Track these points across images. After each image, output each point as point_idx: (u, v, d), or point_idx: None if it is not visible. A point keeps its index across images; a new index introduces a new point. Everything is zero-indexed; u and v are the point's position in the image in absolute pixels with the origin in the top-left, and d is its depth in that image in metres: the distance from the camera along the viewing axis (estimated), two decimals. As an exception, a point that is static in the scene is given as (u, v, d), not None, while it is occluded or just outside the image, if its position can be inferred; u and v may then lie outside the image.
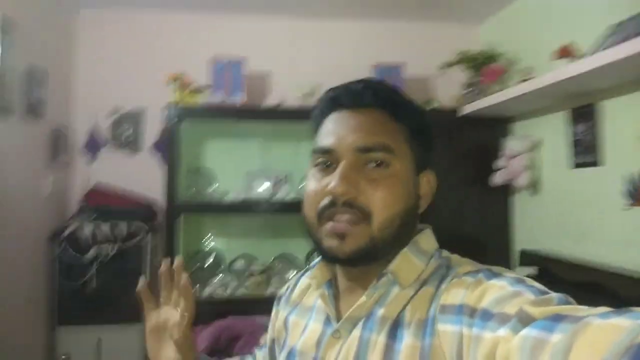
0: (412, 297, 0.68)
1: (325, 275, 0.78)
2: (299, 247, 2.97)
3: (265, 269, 2.85)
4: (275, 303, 0.93)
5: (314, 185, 0.72)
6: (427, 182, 0.77)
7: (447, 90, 3.05)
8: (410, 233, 0.74)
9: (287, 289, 0.92)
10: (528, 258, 2.49)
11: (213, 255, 2.92)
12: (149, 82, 3.01)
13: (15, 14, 2.32)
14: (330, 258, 0.71)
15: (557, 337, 0.43)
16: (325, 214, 0.69)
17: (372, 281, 0.71)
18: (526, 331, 0.47)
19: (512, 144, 2.58)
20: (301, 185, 2.85)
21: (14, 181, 2.39)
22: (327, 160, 0.72)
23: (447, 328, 0.59)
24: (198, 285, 2.71)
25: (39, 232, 2.64)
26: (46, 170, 2.71)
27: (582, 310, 0.47)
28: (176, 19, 3.15)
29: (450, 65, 2.80)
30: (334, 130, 0.72)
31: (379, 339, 0.65)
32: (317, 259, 0.80)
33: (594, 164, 2.13)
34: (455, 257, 0.73)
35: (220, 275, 2.81)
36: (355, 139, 0.69)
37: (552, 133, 2.44)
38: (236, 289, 2.74)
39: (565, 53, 2.06)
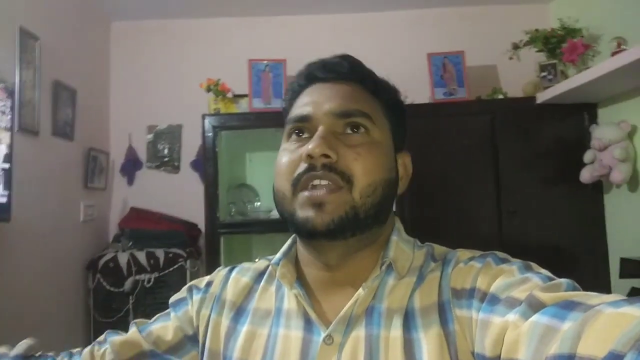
0: (417, 285, 0.64)
1: (293, 274, 0.69)
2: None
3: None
4: (187, 294, 0.78)
5: (288, 156, 0.66)
6: (404, 165, 0.73)
7: (514, 79, 2.72)
8: (389, 212, 0.70)
9: (211, 285, 0.77)
10: (630, 267, 2.09)
11: (261, 279, 2.65)
12: (185, 96, 2.85)
13: (37, 29, 2.15)
14: (306, 231, 0.63)
15: (567, 325, 0.43)
16: (301, 182, 0.63)
17: (357, 274, 0.66)
18: (536, 317, 0.46)
19: (601, 133, 2.24)
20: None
21: (46, 206, 2.24)
22: (302, 129, 0.67)
23: (464, 313, 0.58)
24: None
25: (75, 260, 2.48)
26: (80, 195, 2.54)
27: (594, 297, 0.46)
28: (210, 25, 2.98)
29: (519, 47, 2.45)
30: (310, 100, 0.68)
31: (393, 334, 0.60)
32: (276, 258, 0.71)
33: None
34: (435, 245, 0.72)
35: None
36: (333, 105, 0.66)
37: (651, 116, 2.11)
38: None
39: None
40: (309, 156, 0.61)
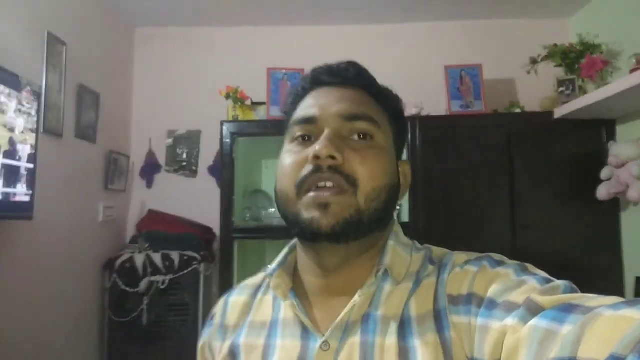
0: (413, 291, 0.63)
1: (288, 283, 0.69)
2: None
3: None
4: (200, 345, 0.78)
5: (293, 158, 0.65)
6: (404, 173, 0.73)
7: (531, 93, 2.72)
8: (390, 218, 0.70)
9: (214, 317, 0.78)
10: (647, 286, 2.07)
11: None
12: (205, 102, 2.90)
13: (64, 34, 2.23)
14: (310, 232, 0.62)
15: (567, 329, 0.43)
16: (306, 183, 0.62)
17: (354, 280, 0.65)
18: (535, 321, 0.46)
19: (618, 150, 2.21)
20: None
21: (67, 206, 2.30)
22: (307, 132, 0.66)
23: (461, 320, 0.57)
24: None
25: (93, 260, 2.53)
26: (100, 196, 2.60)
27: (592, 299, 0.46)
28: (231, 33, 3.04)
29: (537, 62, 2.44)
30: (316, 102, 0.68)
31: (388, 341, 0.59)
32: (271, 268, 0.71)
33: None
34: (434, 247, 0.71)
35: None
36: (340, 108, 0.66)
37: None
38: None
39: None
40: (316, 157, 0.61)
